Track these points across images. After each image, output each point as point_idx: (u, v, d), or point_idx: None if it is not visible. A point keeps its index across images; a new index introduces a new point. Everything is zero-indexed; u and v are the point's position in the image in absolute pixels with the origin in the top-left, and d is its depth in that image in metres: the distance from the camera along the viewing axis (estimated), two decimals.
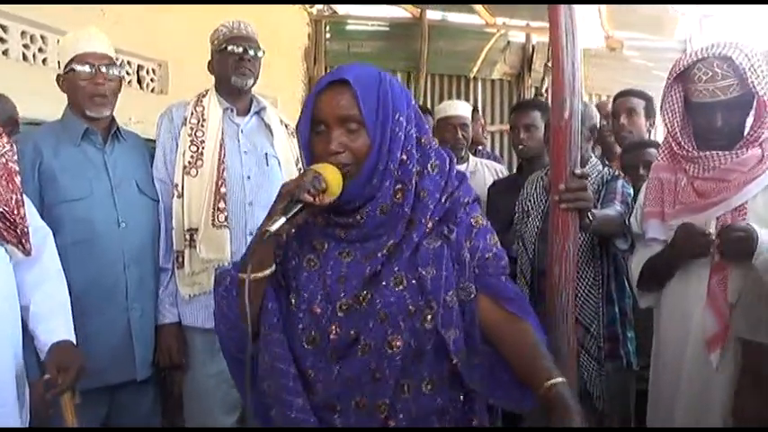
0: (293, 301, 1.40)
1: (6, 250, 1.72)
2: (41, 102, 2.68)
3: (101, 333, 2.20)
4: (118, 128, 2.37)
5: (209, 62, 2.53)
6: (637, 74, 5.64)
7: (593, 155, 2.62)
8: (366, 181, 1.33)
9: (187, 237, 2.34)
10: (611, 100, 3.53)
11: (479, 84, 6.04)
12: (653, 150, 2.64)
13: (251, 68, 2.46)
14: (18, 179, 1.77)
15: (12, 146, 1.80)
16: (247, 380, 1.29)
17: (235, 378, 1.57)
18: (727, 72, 1.87)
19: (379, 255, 1.35)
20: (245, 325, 1.31)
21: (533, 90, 5.95)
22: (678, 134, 2.01)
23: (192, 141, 2.38)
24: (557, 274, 1.66)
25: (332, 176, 1.31)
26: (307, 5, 5.78)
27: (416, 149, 1.39)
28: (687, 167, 2.00)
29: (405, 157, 1.36)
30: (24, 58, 3.31)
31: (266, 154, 2.47)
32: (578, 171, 1.66)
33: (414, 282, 1.34)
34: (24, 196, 1.80)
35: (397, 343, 1.33)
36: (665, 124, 2.06)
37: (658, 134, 3.70)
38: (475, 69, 5.96)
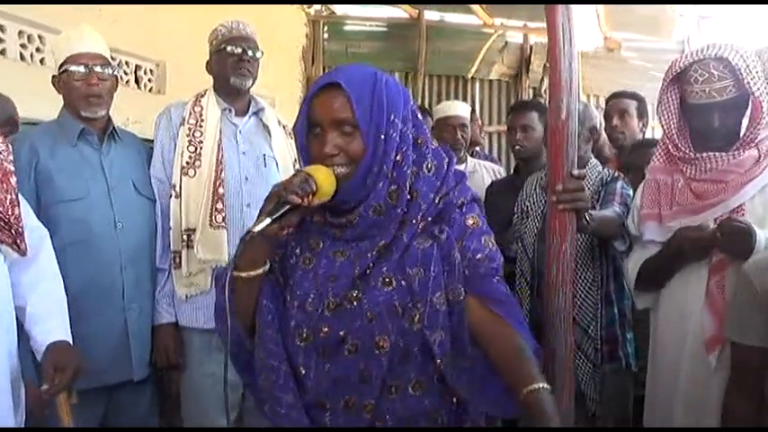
0: (288, 298, 1.42)
1: (1, 251, 1.72)
2: (39, 102, 2.67)
3: (98, 333, 2.20)
4: (114, 128, 2.36)
5: (207, 62, 2.53)
6: (634, 74, 5.65)
7: (592, 156, 2.62)
8: (361, 182, 1.34)
9: (184, 237, 2.34)
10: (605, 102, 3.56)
11: (477, 84, 6.05)
12: None
13: (250, 69, 2.45)
14: (13, 179, 1.76)
15: (7, 146, 1.80)
16: (225, 372, 1.33)
17: (237, 369, 1.57)
18: (724, 73, 1.87)
19: (369, 255, 1.36)
20: (238, 321, 1.39)
21: (531, 91, 5.96)
22: (675, 136, 2.02)
23: (190, 141, 2.37)
24: (554, 275, 1.66)
25: (324, 178, 1.31)
26: (304, 6, 5.78)
27: (413, 150, 1.38)
28: (684, 169, 2.00)
29: (399, 158, 1.35)
30: (22, 57, 3.30)
31: (264, 155, 2.47)
32: (575, 172, 1.67)
33: (403, 282, 1.34)
34: (20, 196, 1.80)
35: (385, 343, 1.33)
36: (662, 126, 2.06)
37: (651, 135, 3.72)
38: (473, 70, 5.97)
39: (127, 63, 3.93)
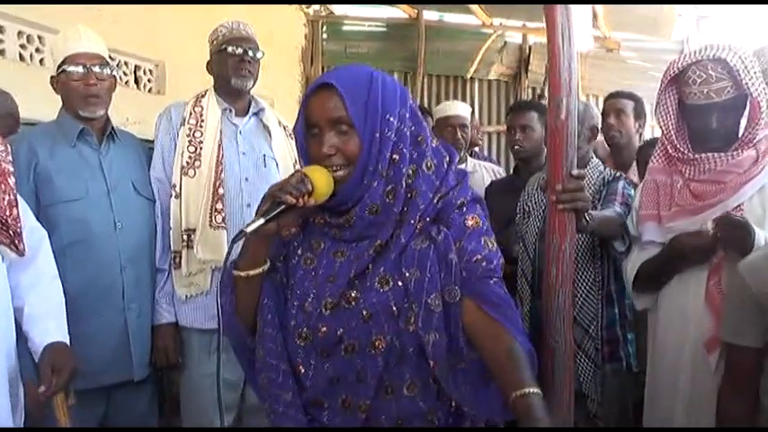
0: (289, 297, 1.42)
1: None
2: (38, 102, 2.67)
3: (98, 334, 2.20)
4: (113, 128, 2.36)
5: (207, 62, 2.53)
6: (634, 75, 5.66)
7: (593, 155, 2.62)
8: (358, 182, 1.34)
9: (184, 237, 2.34)
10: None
11: (476, 84, 6.04)
12: None
13: (251, 70, 2.46)
14: (12, 180, 1.76)
15: (5, 146, 1.80)
16: (218, 374, 1.32)
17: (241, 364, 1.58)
18: (722, 74, 1.88)
19: (366, 255, 1.36)
20: (239, 319, 1.43)
21: (530, 90, 5.96)
22: (673, 137, 2.02)
23: (190, 142, 2.37)
24: (554, 275, 1.65)
25: (320, 178, 1.31)
26: (303, 6, 5.78)
27: (413, 148, 1.38)
28: (683, 170, 2.00)
29: (396, 157, 1.35)
30: (21, 58, 3.31)
31: (264, 155, 2.47)
32: (575, 172, 1.66)
33: (399, 283, 1.34)
34: (19, 197, 1.80)
35: (381, 344, 1.33)
36: (660, 127, 2.06)
37: (651, 135, 3.72)
38: (472, 70, 5.96)
39: (126, 63, 3.93)
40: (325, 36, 5.89)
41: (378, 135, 1.33)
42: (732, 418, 1.66)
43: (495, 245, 1.41)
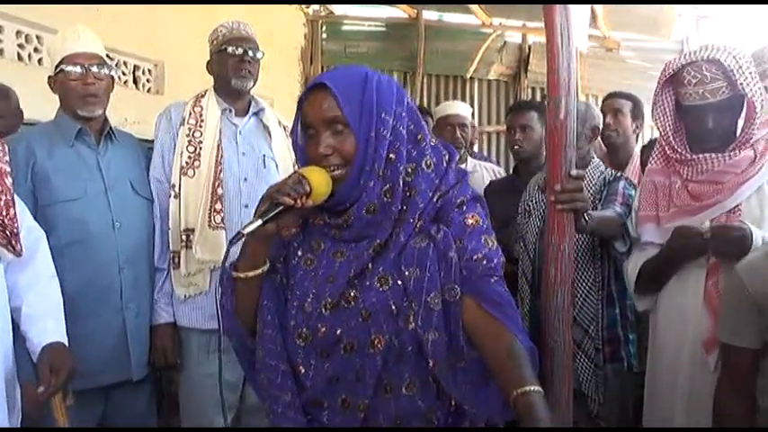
0: (289, 298, 1.43)
1: None
2: (37, 102, 2.67)
3: (96, 334, 2.20)
4: (111, 128, 2.36)
5: (207, 62, 2.52)
6: (633, 74, 5.65)
7: (594, 155, 2.62)
8: (355, 181, 1.34)
9: (183, 237, 2.34)
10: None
11: (476, 84, 6.03)
12: None
13: (251, 70, 2.45)
14: (9, 180, 1.76)
15: (2, 146, 1.80)
16: (220, 374, 1.35)
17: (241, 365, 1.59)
18: (716, 75, 1.88)
19: (366, 254, 1.36)
20: (239, 320, 1.43)
21: (530, 90, 5.95)
22: (671, 138, 2.02)
23: (189, 142, 2.37)
24: (552, 276, 1.65)
25: (318, 179, 1.32)
26: (303, 6, 5.77)
27: (412, 147, 1.38)
28: (681, 171, 2.00)
29: (392, 155, 1.35)
30: (20, 58, 3.30)
31: (264, 156, 2.47)
32: (574, 172, 1.66)
33: (399, 282, 1.34)
34: (16, 197, 1.80)
35: (380, 343, 1.33)
36: (658, 128, 2.06)
37: (646, 137, 3.72)
38: (471, 69, 5.95)
39: (125, 63, 3.92)
40: (324, 36, 5.88)
41: (373, 134, 1.33)
42: (729, 418, 1.66)
43: (496, 243, 1.41)
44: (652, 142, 3.02)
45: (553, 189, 1.65)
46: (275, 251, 1.44)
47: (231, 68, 2.42)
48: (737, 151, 1.92)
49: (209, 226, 2.31)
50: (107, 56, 2.39)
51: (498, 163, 5.19)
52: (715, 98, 1.89)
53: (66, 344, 1.82)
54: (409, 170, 1.37)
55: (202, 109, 2.42)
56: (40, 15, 3.28)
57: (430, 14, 5.96)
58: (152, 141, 2.49)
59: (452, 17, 6.05)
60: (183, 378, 2.45)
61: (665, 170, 2.06)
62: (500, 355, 1.30)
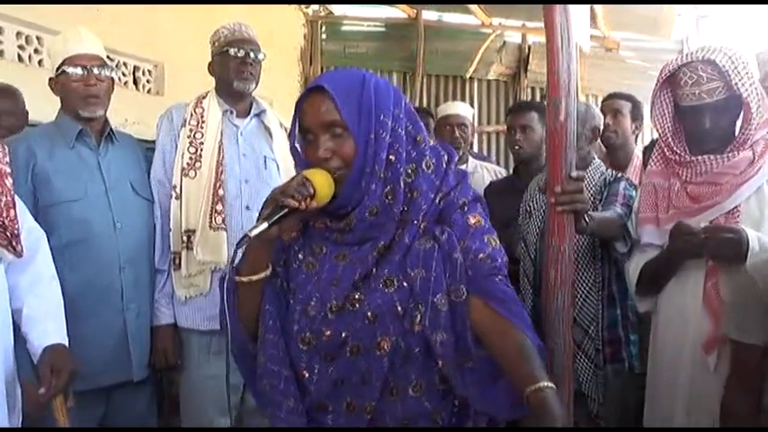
0: (291, 302, 1.42)
1: None
2: (37, 103, 2.68)
3: (97, 334, 2.20)
4: (111, 130, 2.36)
5: (209, 64, 2.53)
6: (633, 74, 5.64)
7: (595, 156, 2.61)
8: (356, 184, 1.34)
9: (184, 238, 2.34)
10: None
11: (475, 84, 6.03)
12: None
13: (253, 72, 2.46)
14: (9, 181, 1.76)
15: (2, 147, 1.80)
16: (227, 376, 1.34)
17: (241, 371, 1.58)
18: (712, 75, 1.88)
19: (370, 257, 1.36)
20: (241, 325, 1.40)
21: (530, 90, 5.94)
22: (670, 139, 2.02)
23: (190, 143, 2.38)
24: (552, 277, 1.65)
25: (321, 181, 1.31)
26: (302, 6, 5.77)
27: (412, 149, 1.39)
28: (680, 172, 2.00)
29: (392, 157, 1.35)
30: (20, 59, 3.31)
31: (265, 157, 2.47)
32: (574, 173, 1.66)
33: (404, 283, 1.34)
34: (17, 198, 1.80)
35: (386, 345, 1.33)
36: (657, 130, 2.06)
37: (645, 137, 3.72)
38: (471, 70, 5.95)
39: (125, 64, 3.92)
40: (324, 36, 5.88)
41: (373, 136, 1.33)
42: (736, 414, 1.66)
43: (498, 243, 1.42)
44: (654, 142, 3.03)
45: (553, 191, 1.65)
46: (275, 255, 1.43)
47: (233, 70, 2.42)
48: (736, 152, 1.92)
49: (210, 227, 2.32)
50: (107, 57, 2.39)
51: (498, 163, 5.19)
52: (712, 98, 1.89)
53: (67, 345, 1.82)
54: (409, 171, 1.38)
55: (204, 110, 2.42)
56: (40, 16, 3.29)
57: (429, 14, 5.96)
58: (152, 142, 2.50)
59: (452, 17, 6.05)
60: (183, 379, 2.45)
61: (665, 172, 2.06)
62: (511, 353, 1.30)
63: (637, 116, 3.40)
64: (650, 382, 2.14)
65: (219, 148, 2.38)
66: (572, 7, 1.68)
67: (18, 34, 3.30)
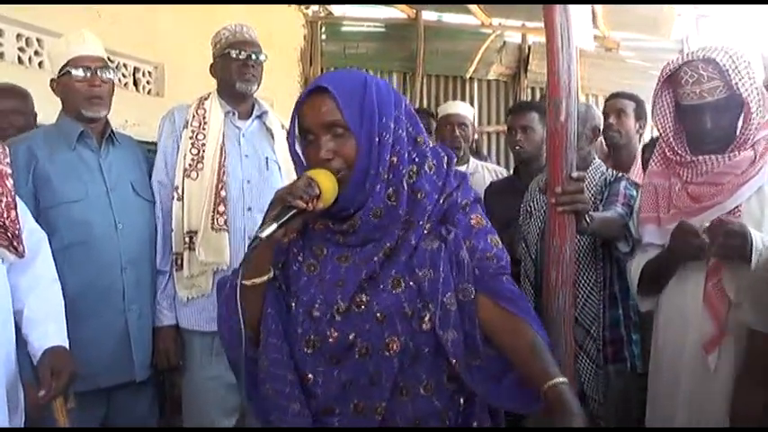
0: (293, 305, 1.41)
1: None
2: (38, 105, 2.68)
3: (98, 335, 2.20)
4: (112, 131, 2.37)
5: (210, 65, 2.53)
6: (633, 74, 5.64)
7: (595, 156, 2.61)
8: (359, 185, 1.34)
9: (186, 239, 2.34)
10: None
11: (475, 84, 6.03)
12: None
13: (254, 74, 2.46)
14: (10, 182, 1.76)
15: (3, 148, 1.80)
16: (241, 385, 1.30)
17: (238, 380, 1.56)
18: (713, 74, 1.88)
19: (375, 258, 1.36)
20: (242, 330, 1.34)
21: (530, 90, 5.95)
22: (671, 139, 2.02)
23: (192, 144, 2.38)
24: (554, 278, 1.65)
25: (326, 182, 1.31)
26: (302, 7, 5.77)
27: (413, 150, 1.39)
28: (680, 172, 2.00)
29: (395, 159, 1.36)
30: (20, 61, 3.30)
31: (267, 158, 2.47)
32: (575, 174, 1.66)
33: (412, 284, 1.34)
34: (18, 199, 1.80)
35: (395, 345, 1.33)
36: (658, 129, 2.06)
37: (648, 137, 3.72)
38: (471, 70, 5.95)
39: (125, 65, 3.92)
40: (324, 37, 5.88)
41: (377, 139, 1.33)
42: (747, 415, 1.66)
43: (501, 243, 1.44)
44: (653, 141, 3.03)
45: (554, 191, 1.65)
46: (274, 257, 1.42)
47: (235, 72, 2.42)
48: (737, 152, 1.91)
49: (212, 228, 2.32)
50: (108, 59, 2.40)
51: (498, 163, 5.19)
52: (712, 97, 1.89)
53: (67, 347, 1.82)
54: (411, 172, 1.38)
55: (205, 112, 2.43)
56: (40, 18, 3.29)
57: (429, 15, 5.96)
58: (152, 143, 2.50)
59: (452, 17, 6.05)
60: (185, 380, 2.45)
61: (665, 172, 2.06)
62: (523, 351, 1.32)
63: (640, 115, 3.40)
64: (651, 382, 2.14)
65: (221, 149, 2.38)
66: (572, 7, 1.68)
67: (18, 36, 3.30)
